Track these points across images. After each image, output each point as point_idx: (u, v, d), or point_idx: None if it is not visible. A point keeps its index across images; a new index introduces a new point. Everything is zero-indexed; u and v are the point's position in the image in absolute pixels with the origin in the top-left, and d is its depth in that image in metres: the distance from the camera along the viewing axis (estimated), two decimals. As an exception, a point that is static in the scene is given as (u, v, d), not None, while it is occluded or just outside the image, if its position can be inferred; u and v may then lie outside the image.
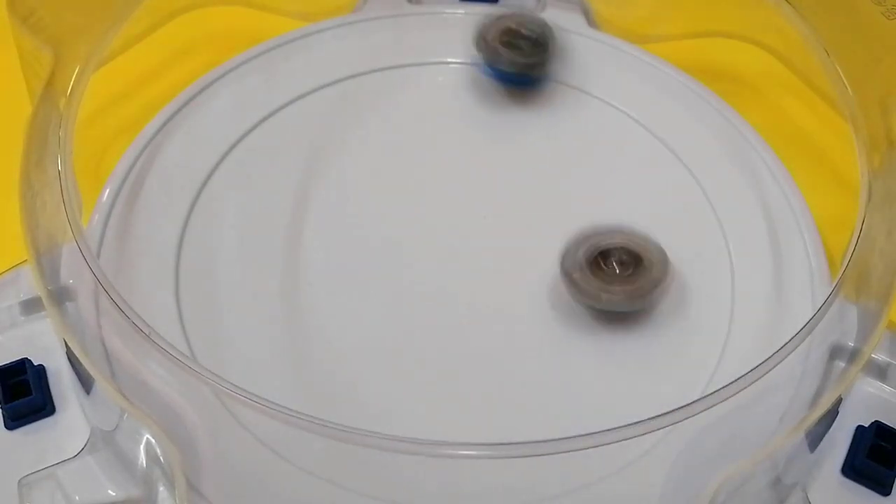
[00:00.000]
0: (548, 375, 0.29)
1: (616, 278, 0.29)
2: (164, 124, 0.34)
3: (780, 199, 0.33)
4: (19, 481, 0.25)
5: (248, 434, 0.26)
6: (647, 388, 0.28)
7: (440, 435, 0.22)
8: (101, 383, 0.24)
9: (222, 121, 0.34)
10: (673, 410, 0.23)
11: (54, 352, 0.28)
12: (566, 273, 0.29)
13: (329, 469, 0.26)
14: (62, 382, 0.27)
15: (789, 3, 0.33)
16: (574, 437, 0.22)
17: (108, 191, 0.32)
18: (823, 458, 0.27)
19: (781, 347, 0.24)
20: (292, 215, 0.32)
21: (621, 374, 0.29)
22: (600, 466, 0.26)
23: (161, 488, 0.25)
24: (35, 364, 0.27)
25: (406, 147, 0.35)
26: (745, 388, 0.23)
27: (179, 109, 0.34)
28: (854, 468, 0.26)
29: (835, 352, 0.28)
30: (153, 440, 0.24)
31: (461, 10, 0.39)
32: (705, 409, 0.23)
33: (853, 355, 0.27)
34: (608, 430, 0.22)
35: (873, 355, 0.28)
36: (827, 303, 0.25)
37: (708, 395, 0.23)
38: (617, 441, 0.22)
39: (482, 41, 0.35)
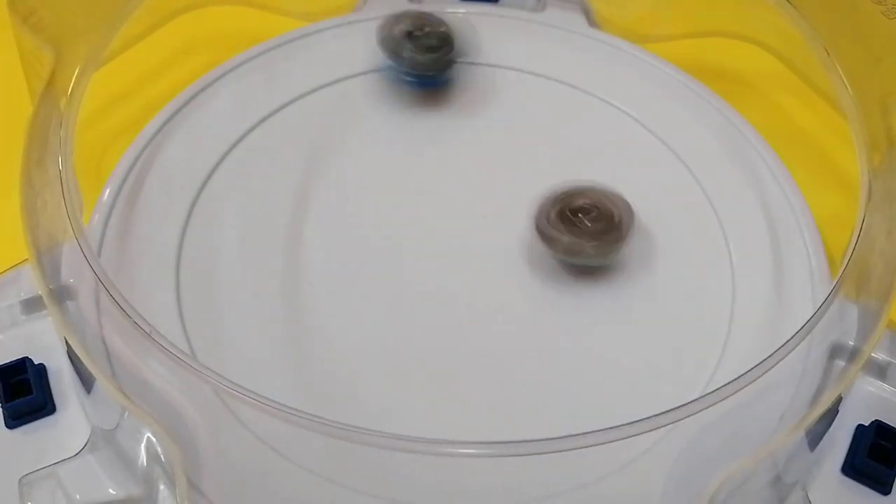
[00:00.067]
0: (548, 375, 0.29)
1: (585, 232, 0.30)
2: (165, 124, 0.34)
3: (780, 199, 0.33)
4: (20, 480, 0.25)
5: (249, 433, 0.26)
6: (648, 388, 0.28)
7: (440, 433, 0.22)
8: (101, 382, 0.24)
9: (222, 121, 0.34)
10: (673, 409, 0.23)
11: (55, 351, 0.28)
12: (540, 230, 0.30)
13: (329, 467, 0.26)
14: (63, 381, 0.27)
15: (789, 3, 0.33)
16: (575, 435, 0.22)
17: (108, 190, 0.32)
18: (824, 457, 0.27)
19: (781, 346, 0.24)
20: (292, 215, 0.32)
21: (622, 374, 0.29)
22: (601, 465, 0.26)
23: (162, 487, 0.25)
24: (36, 363, 0.27)
25: (406, 147, 0.35)
26: (746, 386, 0.23)
27: (179, 109, 0.34)
28: (854, 467, 0.26)
29: (835, 351, 0.28)
30: (154, 439, 0.24)
31: (461, 9, 0.39)
32: (706, 408, 0.23)
33: (853, 354, 0.27)
34: (609, 428, 0.22)
35: (873, 354, 0.28)
36: (827, 302, 0.25)
37: (708, 394, 0.23)
38: (617, 440, 0.22)
39: (391, 47, 0.35)
